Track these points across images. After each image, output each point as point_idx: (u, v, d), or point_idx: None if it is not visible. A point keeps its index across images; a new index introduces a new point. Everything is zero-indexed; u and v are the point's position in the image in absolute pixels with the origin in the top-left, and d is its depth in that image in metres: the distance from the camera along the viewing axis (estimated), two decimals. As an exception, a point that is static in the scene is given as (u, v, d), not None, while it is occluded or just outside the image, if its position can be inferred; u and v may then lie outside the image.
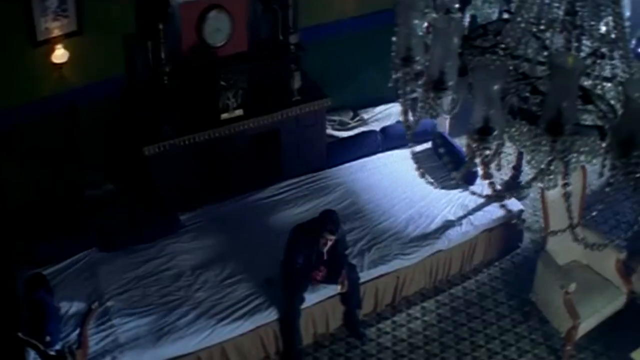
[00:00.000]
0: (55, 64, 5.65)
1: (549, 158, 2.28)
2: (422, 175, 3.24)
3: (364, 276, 5.64)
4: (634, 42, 2.90)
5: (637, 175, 2.25)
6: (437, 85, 2.35)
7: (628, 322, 5.39)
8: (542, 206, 5.38)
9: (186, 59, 5.95)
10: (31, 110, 5.72)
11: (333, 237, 5.25)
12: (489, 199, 3.37)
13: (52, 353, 4.63)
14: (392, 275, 5.80)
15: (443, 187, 6.30)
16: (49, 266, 5.65)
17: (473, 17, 3.06)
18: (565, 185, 2.57)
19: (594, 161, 2.44)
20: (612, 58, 2.61)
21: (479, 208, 6.11)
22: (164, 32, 5.60)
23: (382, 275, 5.75)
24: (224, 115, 5.99)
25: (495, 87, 2.20)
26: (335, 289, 5.48)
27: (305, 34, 6.20)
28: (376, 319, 5.87)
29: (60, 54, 5.63)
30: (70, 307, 5.37)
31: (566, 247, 5.37)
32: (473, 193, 2.83)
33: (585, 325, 5.20)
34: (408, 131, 2.69)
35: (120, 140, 6.10)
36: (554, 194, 5.17)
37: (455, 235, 5.95)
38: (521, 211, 6.17)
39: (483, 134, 2.28)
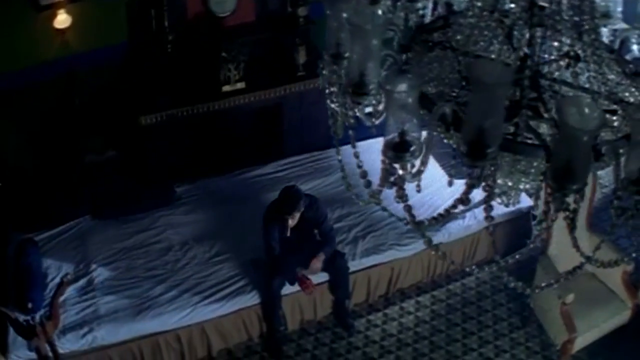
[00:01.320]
0: (58, 29, 5.60)
1: (469, 183, 1.98)
2: (450, 184, 2.85)
3: (356, 265, 5.42)
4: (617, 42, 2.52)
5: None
6: (356, 90, 2.07)
7: (632, 337, 5.01)
8: (545, 208, 4.99)
9: (190, 28, 5.75)
10: (33, 74, 5.68)
11: (289, 217, 5.02)
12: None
13: (22, 321, 4.61)
14: (387, 265, 5.55)
15: (450, 176, 5.95)
16: (42, 231, 5.65)
17: (448, 5, 2.72)
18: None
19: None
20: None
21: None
22: (168, 0, 5.43)
23: (375, 265, 5.51)
24: (225, 88, 5.79)
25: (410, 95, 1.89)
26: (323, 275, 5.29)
27: (316, 7, 5.89)
28: (367, 309, 5.65)
29: (62, 19, 5.57)
30: (57, 275, 5.35)
31: (571, 252, 4.98)
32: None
33: (583, 340, 4.84)
34: (336, 137, 2.41)
35: (119, 108, 5.99)
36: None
37: (456, 229, 5.62)
38: (530, 207, 5.78)
39: (399, 150, 2.00)
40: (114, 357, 5.08)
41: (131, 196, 5.92)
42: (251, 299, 5.24)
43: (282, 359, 5.29)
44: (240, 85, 5.80)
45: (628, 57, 2.45)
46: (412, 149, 2.00)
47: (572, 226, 2.12)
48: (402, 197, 2.09)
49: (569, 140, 1.83)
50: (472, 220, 5.67)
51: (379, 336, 5.46)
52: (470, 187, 2.00)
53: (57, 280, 5.33)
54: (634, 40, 2.47)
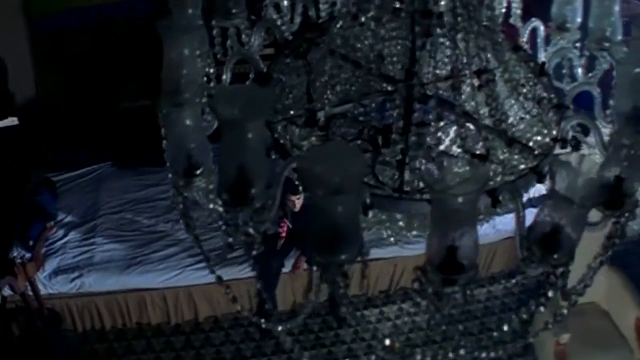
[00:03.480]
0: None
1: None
2: None
3: (354, 256, 5.12)
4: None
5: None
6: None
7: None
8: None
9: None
10: (72, 18, 5.74)
11: (295, 197, 4.79)
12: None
13: (15, 256, 4.76)
14: (389, 261, 5.22)
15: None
16: (62, 172, 5.78)
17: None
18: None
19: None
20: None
21: (509, 211, 5.22)
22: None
23: (376, 259, 5.18)
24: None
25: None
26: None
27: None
28: (365, 303, 5.36)
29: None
30: (66, 217, 5.48)
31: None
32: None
33: (577, 384, 4.32)
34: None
35: (153, 58, 5.94)
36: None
37: (470, 236, 5.15)
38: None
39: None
40: (99, 305, 5.16)
41: (153, 148, 5.90)
42: (241, 272, 5.10)
43: (266, 335, 5.14)
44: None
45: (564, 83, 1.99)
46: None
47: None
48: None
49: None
50: (490, 230, 5.17)
51: (368, 334, 5.18)
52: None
53: (66, 220, 5.47)
54: (576, 63, 2.00)
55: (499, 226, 5.17)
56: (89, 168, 5.87)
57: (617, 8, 1.94)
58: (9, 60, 5.92)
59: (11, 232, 5.12)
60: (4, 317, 4.86)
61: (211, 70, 1.99)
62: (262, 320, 1.67)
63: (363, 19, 1.79)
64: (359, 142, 1.86)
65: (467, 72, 1.75)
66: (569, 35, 2.10)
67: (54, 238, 5.32)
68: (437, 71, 1.82)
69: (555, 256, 1.50)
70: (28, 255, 4.83)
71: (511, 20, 2.20)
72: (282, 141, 1.79)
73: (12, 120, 6.11)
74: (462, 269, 1.45)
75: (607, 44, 1.98)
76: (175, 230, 5.34)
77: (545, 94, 1.93)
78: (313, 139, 1.81)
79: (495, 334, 1.89)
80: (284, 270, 5.12)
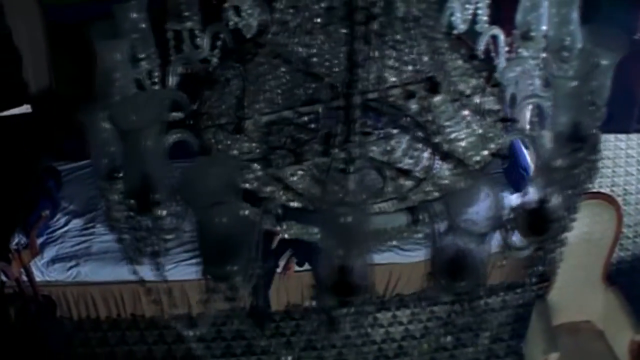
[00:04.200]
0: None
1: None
2: None
3: (349, 260, 5.05)
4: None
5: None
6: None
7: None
8: (552, 247, 4.27)
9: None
10: (89, 8, 5.77)
11: None
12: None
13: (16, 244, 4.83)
14: (384, 268, 5.12)
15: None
16: (69, 162, 5.84)
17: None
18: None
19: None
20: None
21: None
22: None
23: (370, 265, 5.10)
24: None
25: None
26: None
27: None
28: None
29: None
30: (69, 206, 5.53)
31: (580, 302, 4.30)
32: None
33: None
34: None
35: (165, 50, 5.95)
36: (567, 235, 4.10)
37: (469, 246, 5.03)
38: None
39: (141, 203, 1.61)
40: (95, 295, 5.20)
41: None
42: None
43: (259, 335, 5.12)
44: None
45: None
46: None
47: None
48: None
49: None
50: (491, 240, 5.04)
51: (360, 340, 5.10)
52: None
53: (69, 209, 5.53)
54: (534, 74, 1.91)
55: (498, 236, 5.03)
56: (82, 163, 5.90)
57: (575, 15, 1.84)
58: (24, 49, 6.00)
59: (15, 218, 5.20)
60: (1, 301, 4.94)
61: (156, 73, 1.98)
62: (175, 324, 1.66)
63: (307, 26, 1.74)
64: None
65: (405, 81, 1.69)
66: (533, 44, 2.01)
67: (55, 226, 5.37)
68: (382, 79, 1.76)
69: (462, 284, 1.42)
70: (25, 241, 4.90)
71: (477, 27, 2.12)
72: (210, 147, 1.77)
73: (26, 108, 6.21)
74: (356, 289, 1.38)
75: (566, 54, 1.89)
76: (176, 224, 5.34)
77: (497, 106, 1.85)
78: (242, 145, 1.77)
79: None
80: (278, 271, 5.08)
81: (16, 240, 4.97)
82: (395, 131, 1.71)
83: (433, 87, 1.76)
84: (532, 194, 1.43)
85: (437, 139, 1.67)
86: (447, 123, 1.71)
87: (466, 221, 1.29)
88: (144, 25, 1.92)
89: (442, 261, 1.39)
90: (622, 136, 6.45)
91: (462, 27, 2.11)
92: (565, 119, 1.48)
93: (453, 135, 1.70)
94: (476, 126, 1.74)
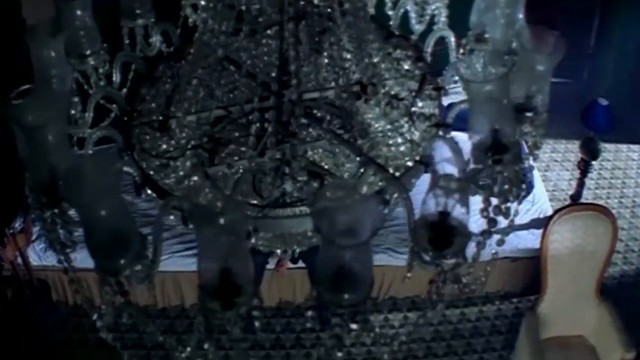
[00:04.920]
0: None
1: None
2: None
3: (342, 260, 4.99)
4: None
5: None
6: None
7: None
8: (541, 260, 4.14)
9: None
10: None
11: None
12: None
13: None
14: (376, 269, 4.98)
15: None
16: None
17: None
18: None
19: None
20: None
21: (511, 229, 4.96)
22: None
23: (363, 266, 5.04)
24: None
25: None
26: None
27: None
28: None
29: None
30: (70, 191, 5.60)
31: (572, 315, 4.17)
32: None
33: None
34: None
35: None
36: (559, 247, 3.99)
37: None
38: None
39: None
40: (89, 282, 5.21)
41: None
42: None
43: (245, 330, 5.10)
44: None
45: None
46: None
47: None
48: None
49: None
50: (486, 247, 4.92)
51: (350, 340, 5.01)
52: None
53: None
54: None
55: (494, 244, 4.92)
56: (97, 148, 5.94)
57: (521, 15, 1.75)
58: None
59: (17, 203, 5.26)
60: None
61: (100, 70, 1.97)
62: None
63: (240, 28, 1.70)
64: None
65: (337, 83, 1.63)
66: (487, 46, 1.93)
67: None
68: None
69: (346, 296, 1.36)
70: (21, 225, 4.96)
71: (435, 28, 2.04)
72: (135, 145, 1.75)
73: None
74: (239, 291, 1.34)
75: (516, 58, 1.81)
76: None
77: (436, 111, 1.78)
78: (166, 142, 1.74)
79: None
80: (271, 265, 5.05)
81: (17, 224, 5.04)
82: (321, 133, 1.65)
83: (363, 89, 1.70)
84: (431, 205, 1.36)
85: (361, 143, 1.61)
86: (377, 127, 1.65)
87: (343, 232, 1.23)
88: (89, 22, 1.91)
89: (325, 273, 1.33)
90: (635, 147, 6.23)
91: (417, 28, 2.03)
92: (482, 125, 1.40)
93: (378, 140, 1.63)
94: (407, 131, 1.67)
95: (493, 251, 1.82)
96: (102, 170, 1.27)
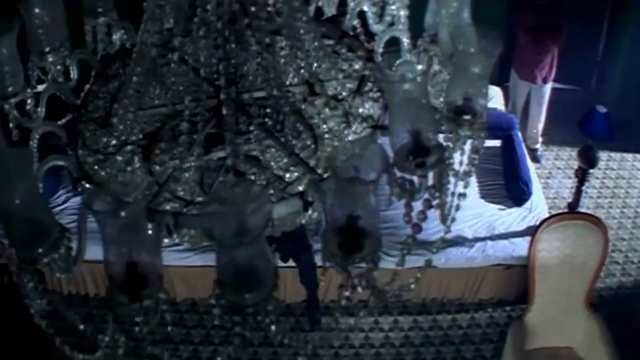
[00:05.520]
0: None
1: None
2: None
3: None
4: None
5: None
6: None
7: None
8: (529, 268, 4.06)
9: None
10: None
11: None
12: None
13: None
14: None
15: (483, 197, 5.18)
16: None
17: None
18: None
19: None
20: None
21: (505, 237, 4.89)
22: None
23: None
24: None
25: None
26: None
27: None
28: (341, 310, 5.16)
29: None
30: (69, 184, 5.63)
31: (561, 326, 4.08)
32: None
33: None
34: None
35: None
36: (547, 256, 3.91)
37: (456, 256, 4.85)
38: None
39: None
40: (84, 272, 5.29)
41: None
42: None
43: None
44: None
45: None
46: None
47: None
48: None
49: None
50: (478, 253, 4.86)
51: (338, 342, 5.01)
52: None
53: (69, 188, 5.64)
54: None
55: (489, 251, 4.85)
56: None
57: (465, 15, 1.70)
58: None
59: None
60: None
61: (58, 67, 1.98)
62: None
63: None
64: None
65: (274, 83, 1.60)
66: (437, 48, 1.88)
67: (54, 203, 5.48)
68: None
69: (247, 296, 1.34)
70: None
71: (394, 28, 2.00)
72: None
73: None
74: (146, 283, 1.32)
75: (440, 57, 1.77)
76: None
77: (378, 112, 1.74)
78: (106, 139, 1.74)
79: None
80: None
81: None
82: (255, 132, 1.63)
83: (311, 90, 1.67)
84: (339, 208, 1.32)
85: (293, 143, 1.57)
86: (323, 128, 1.62)
87: (238, 233, 1.20)
88: (48, 20, 1.92)
89: (224, 274, 1.30)
90: (642, 156, 6.11)
91: (376, 28, 2.00)
92: (403, 128, 1.36)
93: (310, 141, 1.59)
94: (343, 132, 1.63)
95: (426, 258, 1.77)
96: (18, 163, 1.27)
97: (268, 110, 1.68)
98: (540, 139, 6.07)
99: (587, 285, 3.94)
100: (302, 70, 1.60)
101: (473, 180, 5.34)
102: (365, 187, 1.28)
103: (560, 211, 5.21)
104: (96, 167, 1.78)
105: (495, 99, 6.07)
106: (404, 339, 4.98)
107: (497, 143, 5.54)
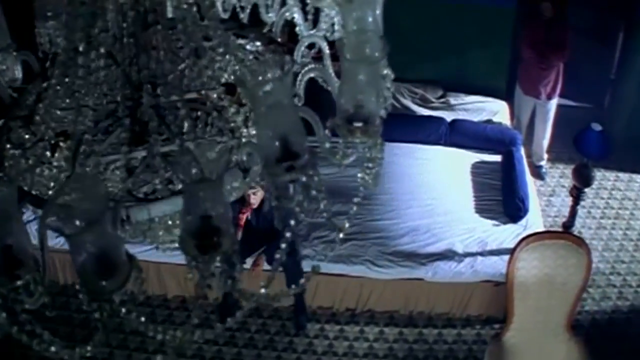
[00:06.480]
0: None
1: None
2: None
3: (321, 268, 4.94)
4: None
5: None
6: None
7: None
8: (507, 287, 3.96)
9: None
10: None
11: (251, 192, 4.55)
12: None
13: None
14: (354, 280, 4.98)
15: (478, 211, 5.10)
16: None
17: None
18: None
19: None
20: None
21: (496, 253, 4.80)
22: None
23: (341, 275, 4.97)
24: None
25: None
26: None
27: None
28: (328, 317, 5.16)
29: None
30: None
31: (540, 348, 3.98)
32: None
33: None
34: None
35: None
36: (526, 275, 3.81)
37: (444, 270, 4.80)
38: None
39: None
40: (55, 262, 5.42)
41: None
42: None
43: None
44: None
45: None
46: None
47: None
48: None
49: None
50: (466, 268, 4.79)
51: (322, 349, 4.98)
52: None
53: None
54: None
55: (477, 267, 4.78)
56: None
57: (370, 20, 1.67)
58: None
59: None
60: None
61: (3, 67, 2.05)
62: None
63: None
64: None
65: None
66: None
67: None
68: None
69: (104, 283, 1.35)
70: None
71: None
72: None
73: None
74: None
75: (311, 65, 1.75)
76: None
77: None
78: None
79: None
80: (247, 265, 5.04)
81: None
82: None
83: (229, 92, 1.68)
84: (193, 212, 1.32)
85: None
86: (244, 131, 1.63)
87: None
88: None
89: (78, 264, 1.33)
90: (650, 177, 5.92)
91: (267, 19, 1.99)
92: (268, 135, 1.34)
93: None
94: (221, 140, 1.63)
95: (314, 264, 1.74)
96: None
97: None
98: (545, 156, 5.94)
99: (568, 308, 3.83)
100: (200, 75, 1.60)
101: (469, 194, 5.30)
102: (211, 185, 1.28)
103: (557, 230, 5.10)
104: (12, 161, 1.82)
105: (501, 113, 5.98)
106: (388, 350, 4.93)
107: (498, 158, 5.46)
